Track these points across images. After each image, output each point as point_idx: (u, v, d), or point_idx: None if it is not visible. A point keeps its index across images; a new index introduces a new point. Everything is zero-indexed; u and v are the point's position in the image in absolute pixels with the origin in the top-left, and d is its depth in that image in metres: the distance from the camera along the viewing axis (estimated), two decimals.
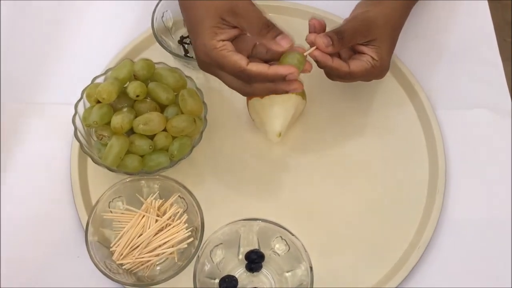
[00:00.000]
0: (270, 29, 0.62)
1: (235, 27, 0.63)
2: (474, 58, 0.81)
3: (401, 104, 0.78)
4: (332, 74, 0.69)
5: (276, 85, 0.63)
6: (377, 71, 0.68)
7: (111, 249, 0.67)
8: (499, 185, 0.73)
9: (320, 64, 0.67)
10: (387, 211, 0.72)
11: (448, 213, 0.71)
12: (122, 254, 0.66)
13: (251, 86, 0.63)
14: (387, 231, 0.71)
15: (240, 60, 0.61)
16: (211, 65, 0.64)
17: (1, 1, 0.83)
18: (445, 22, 0.84)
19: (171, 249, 0.66)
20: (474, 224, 0.71)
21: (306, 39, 0.66)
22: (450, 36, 0.83)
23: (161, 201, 0.68)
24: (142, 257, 0.66)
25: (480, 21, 0.84)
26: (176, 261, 0.66)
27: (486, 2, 0.86)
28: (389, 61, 0.69)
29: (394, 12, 0.69)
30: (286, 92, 0.64)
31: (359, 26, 0.67)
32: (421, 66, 0.80)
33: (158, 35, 0.76)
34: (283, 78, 0.62)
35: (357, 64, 0.67)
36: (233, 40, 0.64)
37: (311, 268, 0.62)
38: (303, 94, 0.74)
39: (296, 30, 0.69)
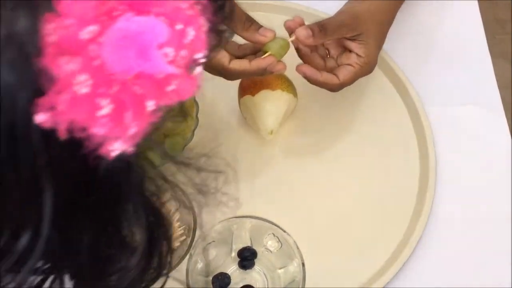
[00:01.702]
0: (252, 23, 0.65)
1: None
2: (464, 55, 0.82)
3: (392, 101, 0.79)
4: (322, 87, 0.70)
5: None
6: (365, 69, 0.68)
7: None
8: (490, 181, 0.74)
9: (309, 80, 0.69)
10: (378, 208, 0.72)
11: (439, 209, 0.72)
12: None
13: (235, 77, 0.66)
14: (379, 228, 0.71)
15: (223, 58, 0.63)
16: None
17: None
18: (435, 19, 0.85)
19: None
20: (465, 219, 0.72)
21: (284, 25, 0.66)
22: (440, 33, 0.84)
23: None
24: None
25: (470, 18, 0.85)
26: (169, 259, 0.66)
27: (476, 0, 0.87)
28: (377, 57, 0.69)
29: (379, 8, 0.70)
30: (271, 73, 0.65)
31: (346, 19, 0.68)
32: (411, 64, 0.80)
33: None
34: (264, 71, 0.64)
35: (345, 73, 0.68)
36: None
37: (303, 264, 0.62)
38: (294, 92, 0.74)
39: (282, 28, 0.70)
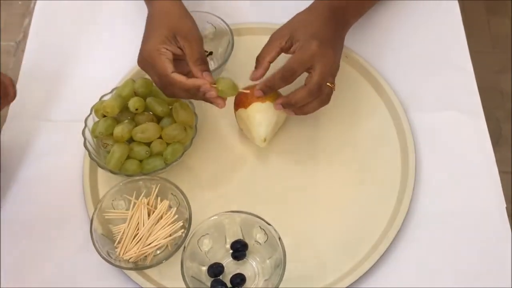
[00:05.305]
0: (202, 63, 0.76)
1: (179, 48, 0.76)
2: (446, 62, 0.88)
3: (376, 108, 0.86)
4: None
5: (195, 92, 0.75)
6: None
7: (114, 245, 0.76)
8: (466, 181, 0.79)
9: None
10: (362, 206, 0.79)
11: (418, 207, 0.78)
12: (125, 249, 0.75)
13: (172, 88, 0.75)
14: (361, 224, 0.77)
15: (168, 67, 0.74)
16: (147, 63, 0.75)
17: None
18: (418, 28, 0.92)
19: (164, 241, 0.75)
20: (442, 216, 0.77)
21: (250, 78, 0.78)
22: (422, 42, 0.90)
23: (154, 199, 0.78)
24: (143, 250, 0.75)
25: (452, 25, 0.91)
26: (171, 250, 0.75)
27: (458, 9, 0.92)
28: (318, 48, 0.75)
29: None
30: (206, 99, 0.75)
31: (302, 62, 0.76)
32: (394, 72, 0.87)
33: None
34: (198, 91, 0.74)
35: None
36: (174, 57, 0.76)
37: (279, 238, 0.70)
38: None
39: None
